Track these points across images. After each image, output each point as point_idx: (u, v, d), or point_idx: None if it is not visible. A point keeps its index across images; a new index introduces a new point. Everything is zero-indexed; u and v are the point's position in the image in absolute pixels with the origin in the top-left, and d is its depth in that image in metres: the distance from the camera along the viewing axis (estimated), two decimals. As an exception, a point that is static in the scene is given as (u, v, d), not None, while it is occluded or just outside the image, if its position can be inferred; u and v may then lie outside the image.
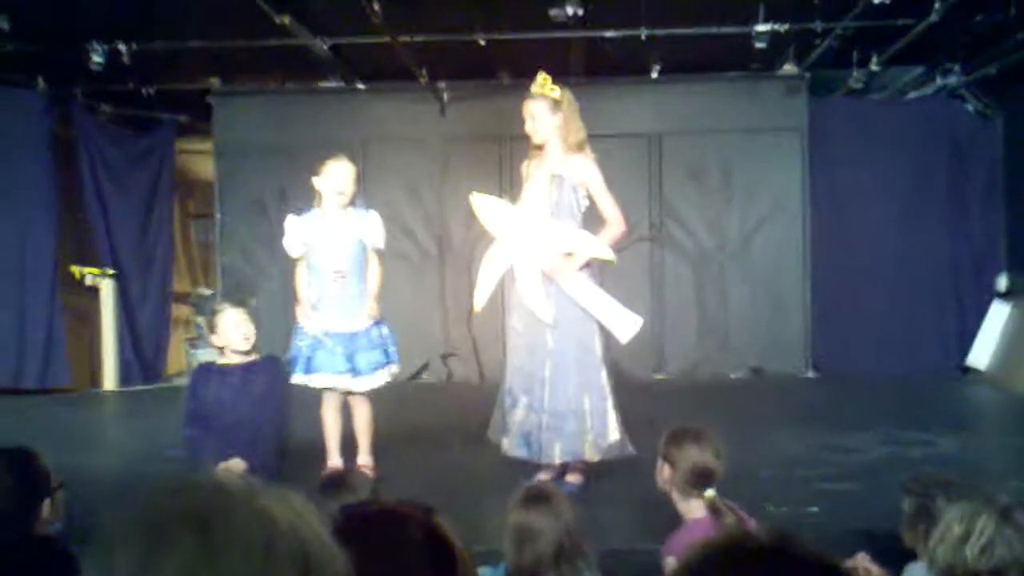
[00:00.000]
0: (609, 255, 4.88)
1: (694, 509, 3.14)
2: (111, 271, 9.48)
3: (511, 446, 4.94)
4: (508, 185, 9.63)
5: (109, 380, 9.41)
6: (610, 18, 7.92)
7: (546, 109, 4.87)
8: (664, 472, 3.23)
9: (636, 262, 9.53)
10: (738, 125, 9.68)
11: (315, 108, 10.02)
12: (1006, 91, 9.15)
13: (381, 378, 5.10)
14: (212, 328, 4.94)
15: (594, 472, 4.93)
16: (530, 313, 4.88)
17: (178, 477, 0.99)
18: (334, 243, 5.05)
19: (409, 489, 4.60)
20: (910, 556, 2.81)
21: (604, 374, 4.86)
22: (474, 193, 5.24)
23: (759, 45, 8.14)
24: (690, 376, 9.56)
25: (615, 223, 4.89)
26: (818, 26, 7.91)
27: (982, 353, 9.08)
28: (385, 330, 5.15)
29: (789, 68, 9.41)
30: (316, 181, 5.10)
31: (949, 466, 4.86)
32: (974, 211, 9.54)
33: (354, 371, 5.01)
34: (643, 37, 8.11)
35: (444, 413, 7.51)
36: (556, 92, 4.89)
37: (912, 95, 9.94)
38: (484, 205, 5.14)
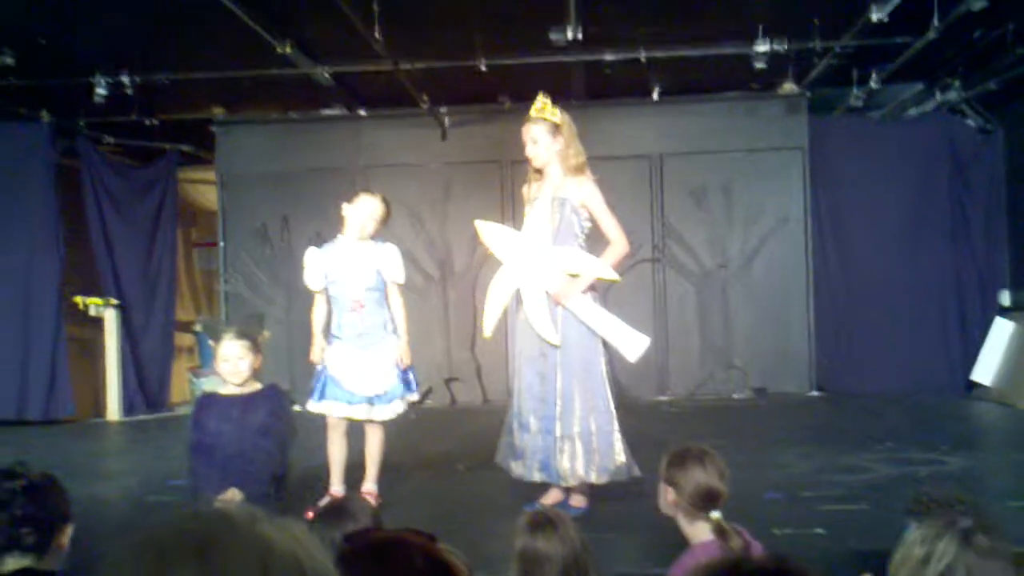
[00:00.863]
0: (612, 275, 4.89)
1: (700, 532, 3.11)
2: (115, 301, 9.51)
3: (526, 471, 4.91)
4: (510, 208, 9.67)
5: (113, 410, 9.42)
6: (610, 41, 7.96)
7: (546, 132, 4.88)
8: (668, 495, 3.18)
9: (639, 283, 9.54)
10: (739, 145, 9.72)
11: (317, 136, 10.08)
12: (1006, 106, 9.18)
13: (396, 408, 5.10)
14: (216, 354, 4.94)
15: (599, 495, 4.91)
16: (537, 336, 4.88)
17: (181, 506, 1.00)
18: (353, 274, 5.07)
19: (414, 515, 4.60)
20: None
21: (609, 396, 4.85)
22: (478, 220, 5.25)
23: (759, 65, 8.19)
24: (694, 397, 9.55)
25: (618, 243, 4.90)
26: (817, 45, 7.94)
27: (986, 369, 9.05)
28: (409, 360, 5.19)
29: (789, 87, 9.43)
30: (346, 207, 5.13)
31: (955, 484, 4.83)
32: (976, 227, 9.54)
33: (371, 401, 5.03)
34: (643, 59, 8.15)
35: (448, 438, 7.49)
36: (556, 116, 4.90)
37: (912, 112, 9.96)
38: (488, 231, 5.16)
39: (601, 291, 5.12)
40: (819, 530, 4.32)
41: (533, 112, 4.94)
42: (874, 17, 6.74)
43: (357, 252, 5.10)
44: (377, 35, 6.77)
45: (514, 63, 8.16)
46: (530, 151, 4.94)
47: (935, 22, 6.96)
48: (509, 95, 9.57)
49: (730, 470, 3.16)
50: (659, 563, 3.36)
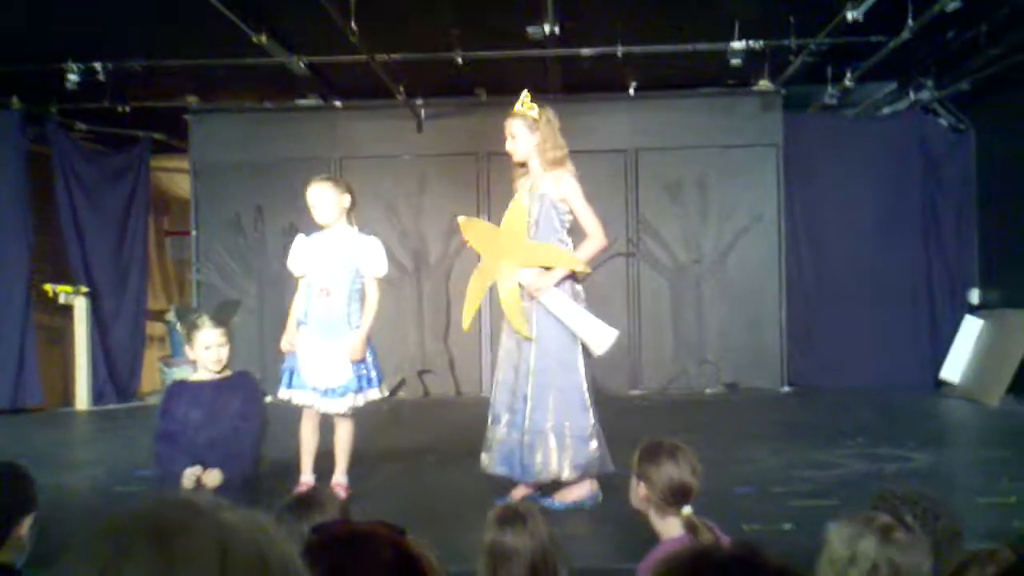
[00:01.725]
0: (582, 266, 4.90)
1: (671, 527, 3.11)
2: (85, 289, 9.41)
3: (491, 463, 4.92)
4: (486, 201, 9.67)
5: (82, 399, 9.34)
6: (587, 36, 7.96)
7: (524, 128, 4.92)
8: (640, 490, 3.18)
9: (613, 277, 9.57)
10: (714, 141, 9.76)
11: (292, 126, 10.02)
12: (978, 106, 9.26)
13: (350, 401, 5.06)
14: (189, 340, 4.91)
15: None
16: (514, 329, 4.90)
17: (145, 494, 0.99)
18: (323, 261, 5.06)
19: (385, 507, 4.58)
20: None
21: (586, 391, 4.86)
22: (461, 216, 5.29)
23: (734, 62, 8.22)
24: (666, 392, 9.59)
25: (595, 237, 4.91)
26: (792, 43, 7.98)
27: (955, 367, 9.15)
28: (369, 357, 5.13)
29: (764, 84, 9.47)
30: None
31: (923, 481, 4.88)
32: (947, 225, 9.63)
33: (326, 392, 5.00)
34: (619, 55, 8.16)
35: (420, 430, 7.48)
36: (534, 111, 4.93)
37: (886, 110, 10.04)
38: (470, 226, 5.20)
39: (569, 287, 5.13)
40: (788, 525, 4.34)
41: (516, 108, 4.98)
42: (849, 16, 6.78)
43: (338, 241, 5.09)
44: (353, 26, 6.73)
45: (491, 56, 8.15)
46: (509, 146, 4.98)
47: (909, 22, 7.01)
48: (485, 88, 9.56)
49: (701, 465, 3.17)
50: (629, 558, 3.37)
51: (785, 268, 9.77)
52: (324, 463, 5.13)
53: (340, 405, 5.03)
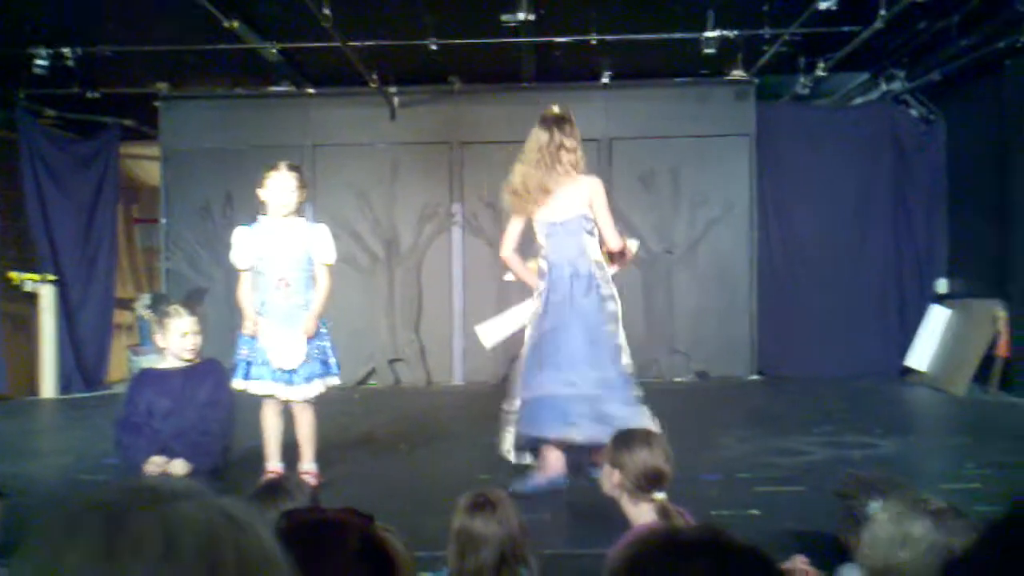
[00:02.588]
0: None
1: (643, 513, 3.13)
2: (52, 277, 9.31)
3: (594, 434, 4.67)
4: (458, 190, 9.65)
5: (48, 388, 9.24)
6: (561, 24, 7.94)
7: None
8: (613, 477, 3.21)
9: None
10: (687, 130, 9.77)
11: (264, 113, 9.94)
12: (949, 97, 9.33)
13: (315, 389, 5.04)
14: (162, 328, 4.88)
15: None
16: (559, 315, 5.08)
17: (111, 482, 0.99)
18: (279, 252, 5.01)
19: (354, 494, 4.57)
20: (848, 558, 2.84)
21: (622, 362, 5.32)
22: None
23: (708, 51, 8.24)
24: (637, 380, 9.60)
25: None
26: (766, 32, 8.02)
27: (921, 355, 9.23)
28: (327, 342, 5.10)
29: (738, 74, 9.50)
30: (260, 192, 5.07)
31: (888, 467, 4.93)
32: (917, 215, 9.71)
33: (289, 380, 4.97)
34: (593, 43, 8.15)
35: (391, 419, 7.46)
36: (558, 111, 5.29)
37: (857, 101, 10.10)
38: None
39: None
40: (754, 511, 4.37)
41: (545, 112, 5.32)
42: (821, 5, 6.82)
43: (287, 230, 5.04)
44: (326, 11, 6.68)
45: (465, 43, 8.12)
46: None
47: (882, 12, 7.05)
48: (459, 76, 9.52)
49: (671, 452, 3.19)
50: (600, 544, 3.38)
51: (756, 257, 9.81)
52: (290, 454, 5.11)
53: (309, 391, 5.00)
